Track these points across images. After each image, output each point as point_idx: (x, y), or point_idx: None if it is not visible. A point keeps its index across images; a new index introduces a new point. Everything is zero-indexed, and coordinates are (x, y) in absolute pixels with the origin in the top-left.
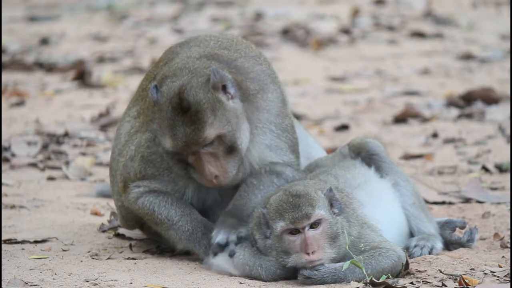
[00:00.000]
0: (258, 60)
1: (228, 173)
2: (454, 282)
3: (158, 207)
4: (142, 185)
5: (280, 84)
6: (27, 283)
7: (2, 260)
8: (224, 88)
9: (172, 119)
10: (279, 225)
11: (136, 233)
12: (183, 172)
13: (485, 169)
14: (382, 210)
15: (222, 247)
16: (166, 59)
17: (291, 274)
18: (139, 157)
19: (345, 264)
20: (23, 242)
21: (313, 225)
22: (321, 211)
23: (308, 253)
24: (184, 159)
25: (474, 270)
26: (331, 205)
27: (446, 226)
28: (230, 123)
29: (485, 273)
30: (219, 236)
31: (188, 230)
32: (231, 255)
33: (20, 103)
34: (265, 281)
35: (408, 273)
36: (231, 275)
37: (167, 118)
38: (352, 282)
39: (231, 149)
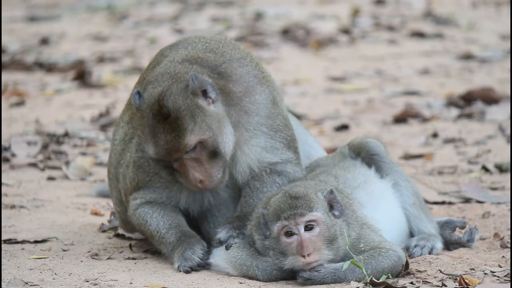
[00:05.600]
0: (243, 62)
1: (213, 177)
2: (454, 282)
3: (150, 218)
4: (138, 196)
5: (269, 84)
6: (27, 283)
7: (2, 260)
8: (204, 92)
9: (153, 126)
10: (276, 226)
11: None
12: (171, 177)
13: (485, 169)
14: (382, 210)
15: (222, 243)
16: (155, 62)
17: (287, 275)
18: (132, 163)
19: (345, 264)
20: (23, 242)
21: (309, 227)
22: (317, 213)
23: (304, 256)
24: (169, 165)
25: (474, 270)
26: (332, 207)
27: (446, 226)
28: (211, 128)
29: (485, 273)
30: (222, 233)
31: (172, 242)
32: (227, 247)
33: (20, 103)
34: (262, 281)
35: (408, 273)
36: (229, 275)
37: (149, 125)
38: (352, 282)
39: (214, 153)
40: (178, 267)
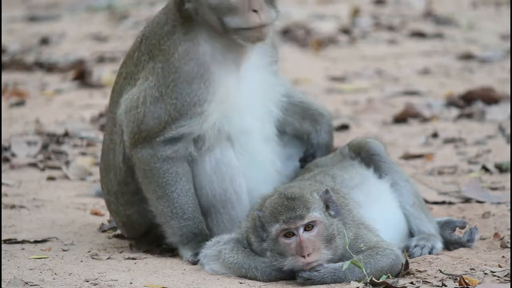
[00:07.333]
0: None
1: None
2: (454, 282)
3: (179, 184)
4: (177, 142)
5: None
6: (27, 283)
7: (2, 260)
8: None
9: None
10: (274, 228)
11: None
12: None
13: (485, 169)
14: (380, 210)
15: None
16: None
17: (286, 275)
18: (164, 90)
19: (345, 264)
20: (23, 242)
21: (308, 227)
22: (315, 213)
23: (303, 256)
24: None
25: (474, 270)
26: (327, 207)
27: (446, 226)
28: None
29: (485, 273)
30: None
31: (188, 233)
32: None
33: (20, 103)
34: (262, 281)
35: (408, 273)
36: (229, 276)
37: None
38: (352, 282)
39: None
40: (189, 256)
